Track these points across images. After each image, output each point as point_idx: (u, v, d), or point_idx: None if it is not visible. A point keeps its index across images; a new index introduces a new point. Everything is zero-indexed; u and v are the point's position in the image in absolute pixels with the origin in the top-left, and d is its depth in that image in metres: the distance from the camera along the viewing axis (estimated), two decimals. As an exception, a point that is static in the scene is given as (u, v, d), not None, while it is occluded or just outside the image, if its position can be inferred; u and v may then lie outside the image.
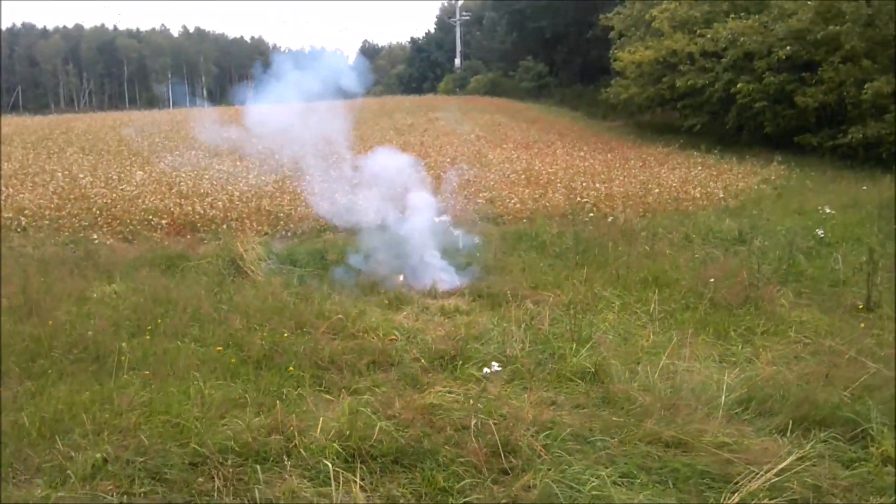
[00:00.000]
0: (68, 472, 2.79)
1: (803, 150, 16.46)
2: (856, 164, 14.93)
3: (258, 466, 2.87)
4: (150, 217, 8.64)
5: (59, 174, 11.26)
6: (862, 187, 11.40)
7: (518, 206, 9.45)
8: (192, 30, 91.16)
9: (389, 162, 7.40)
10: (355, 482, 2.81)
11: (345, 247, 7.27)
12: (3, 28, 72.95)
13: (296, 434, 3.12)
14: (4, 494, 2.64)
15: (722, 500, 2.77)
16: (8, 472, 2.85)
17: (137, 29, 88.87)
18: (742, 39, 17.15)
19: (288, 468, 2.89)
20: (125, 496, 2.67)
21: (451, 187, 9.64)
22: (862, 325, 4.85)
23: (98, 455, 2.89)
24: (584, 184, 11.18)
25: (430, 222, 6.98)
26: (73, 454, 2.92)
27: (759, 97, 16.90)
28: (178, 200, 9.35)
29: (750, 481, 2.83)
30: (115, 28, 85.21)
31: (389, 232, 6.99)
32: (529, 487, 2.83)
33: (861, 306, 5.32)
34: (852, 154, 15.27)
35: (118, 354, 4.05)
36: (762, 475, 2.85)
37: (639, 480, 2.93)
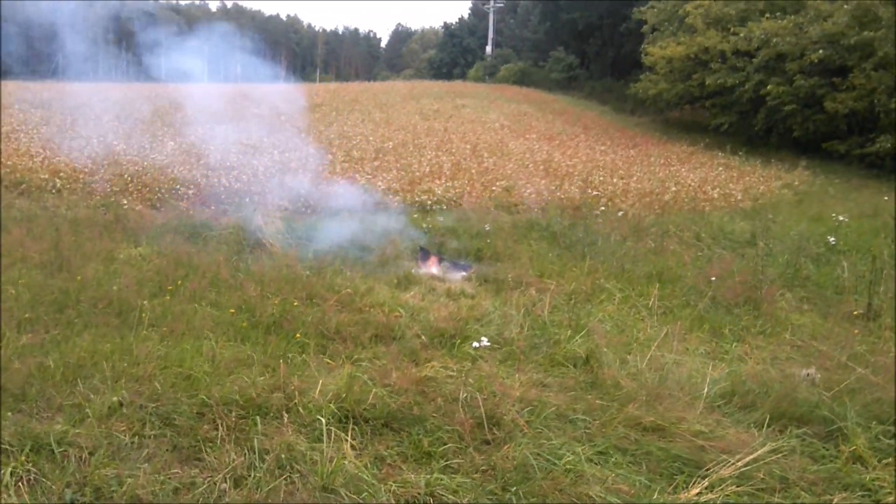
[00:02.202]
0: (87, 411, 3.07)
1: (831, 157, 16.19)
2: (882, 173, 14.65)
3: (259, 419, 3.11)
4: (178, 186, 8.98)
5: (95, 140, 11.66)
6: (884, 197, 11.24)
7: (533, 196, 9.57)
8: (230, 5, 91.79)
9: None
10: (346, 440, 3.03)
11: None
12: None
13: (296, 393, 3.35)
14: (27, 428, 2.92)
15: (691, 483, 2.91)
16: (32, 409, 3.14)
17: (178, 2, 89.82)
18: (775, 40, 16.85)
19: (286, 423, 3.12)
20: (136, 437, 2.94)
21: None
22: (856, 331, 4.91)
23: (115, 399, 3.16)
24: (602, 178, 11.24)
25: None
26: (92, 396, 3.21)
27: (788, 100, 16.64)
28: (205, 172, 9.68)
29: (721, 468, 2.96)
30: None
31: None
32: (508, 458, 3.01)
33: (856, 313, 5.35)
34: (880, 163, 15.00)
35: (139, 311, 4.35)
36: (733, 463, 2.98)
37: (613, 459, 3.08)
